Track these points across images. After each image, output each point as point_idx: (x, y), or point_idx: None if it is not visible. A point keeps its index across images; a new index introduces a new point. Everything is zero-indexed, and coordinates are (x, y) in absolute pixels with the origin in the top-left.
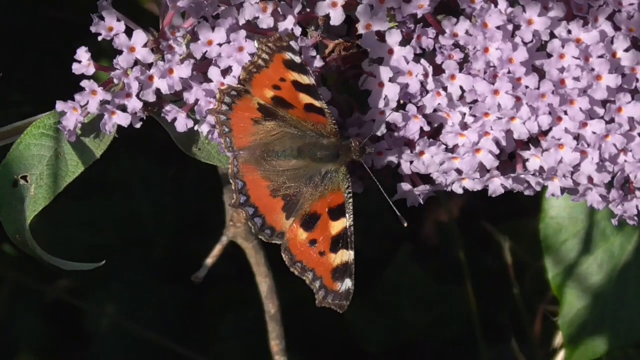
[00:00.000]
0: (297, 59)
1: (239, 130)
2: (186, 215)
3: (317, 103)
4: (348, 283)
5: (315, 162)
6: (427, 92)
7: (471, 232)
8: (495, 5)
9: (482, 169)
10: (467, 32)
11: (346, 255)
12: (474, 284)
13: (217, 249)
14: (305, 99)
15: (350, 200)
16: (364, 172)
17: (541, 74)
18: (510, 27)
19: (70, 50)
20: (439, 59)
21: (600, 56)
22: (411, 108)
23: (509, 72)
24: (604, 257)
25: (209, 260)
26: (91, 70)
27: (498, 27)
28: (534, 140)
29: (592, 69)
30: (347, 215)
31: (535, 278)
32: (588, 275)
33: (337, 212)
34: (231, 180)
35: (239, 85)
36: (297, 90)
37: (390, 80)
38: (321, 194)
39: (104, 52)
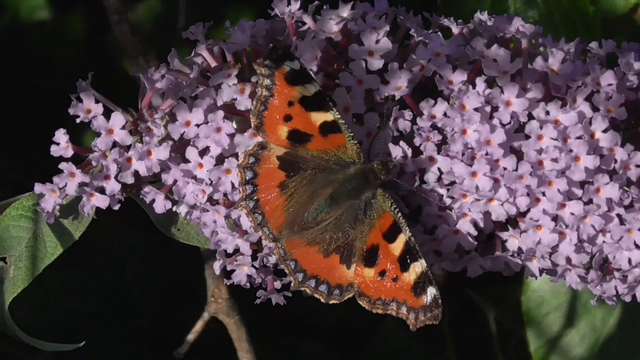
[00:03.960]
0: (296, 65)
1: (271, 209)
2: (172, 284)
3: (329, 115)
4: (432, 291)
5: (351, 198)
6: (405, 173)
7: (457, 298)
8: (474, 87)
9: (461, 250)
10: (445, 114)
11: (418, 266)
12: (459, 352)
13: (198, 325)
14: (318, 117)
15: (400, 214)
16: None
17: (519, 156)
18: (488, 108)
19: (57, 117)
20: (417, 141)
21: (579, 137)
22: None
23: (487, 154)
24: (586, 330)
25: (191, 336)
26: (69, 152)
27: (476, 109)
28: (512, 222)
29: (571, 150)
30: (403, 230)
31: (519, 346)
32: (570, 348)
33: (392, 233)
34: (282, 265)
35: (253, 147)
36: (308, 110)
37: None
38: (370, 226)
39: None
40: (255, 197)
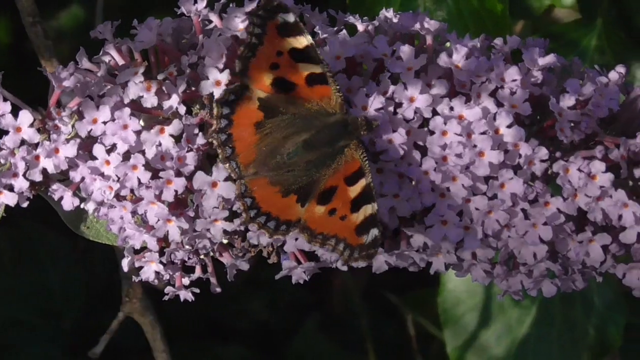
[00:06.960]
0: (291, 18)
1: (243, 145)
2: (95, 287)
3: (318, 68)
4: (375, 232)
5: (326, 145)
6: None
7: (378, 301)
8: (378, 85)
9: None
10: None
11: (369, 208)
12: (379, 354)
13: (114, 325)
14: (306, 68)
15: (367, 162)
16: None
17: (423, 151)
18: (391, 106)
19: None
20: None
21: (483, 133)
22: None
23: None
24: (502, 330)
25: (106, 336)
26: None
27: (378, 110)
28: (417, 217)
29: (475, 146)
30: (365, 175)
31: (440, 349)
32: (487, 349)
33: (354, 177)
34: (239, 202)
35: (235, 85)
36: (297, 61)
37: None
38: (335, 170)
39: None
40: (229, 132)
